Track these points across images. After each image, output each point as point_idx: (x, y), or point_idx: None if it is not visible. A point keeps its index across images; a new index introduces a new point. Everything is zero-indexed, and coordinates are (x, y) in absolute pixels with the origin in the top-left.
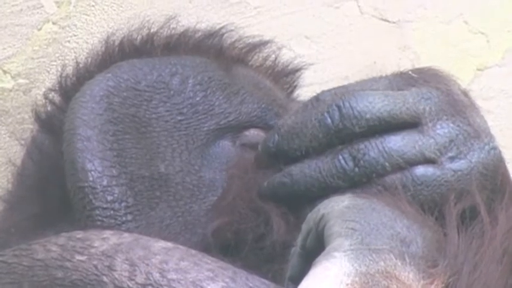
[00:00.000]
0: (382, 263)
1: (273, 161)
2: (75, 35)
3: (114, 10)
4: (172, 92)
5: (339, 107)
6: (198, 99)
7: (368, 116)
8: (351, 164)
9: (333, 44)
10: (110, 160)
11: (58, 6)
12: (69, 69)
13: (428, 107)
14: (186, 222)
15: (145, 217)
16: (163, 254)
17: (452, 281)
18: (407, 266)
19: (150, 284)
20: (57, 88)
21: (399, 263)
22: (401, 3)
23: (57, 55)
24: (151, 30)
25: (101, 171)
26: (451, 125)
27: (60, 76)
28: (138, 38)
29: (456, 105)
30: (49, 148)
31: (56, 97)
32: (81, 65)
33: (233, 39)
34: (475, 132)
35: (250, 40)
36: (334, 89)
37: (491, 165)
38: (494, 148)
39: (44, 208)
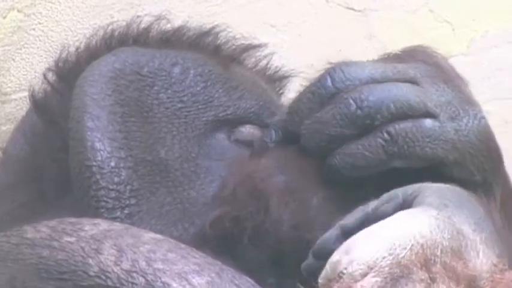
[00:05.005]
0: (457, 243)
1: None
2: (40, 23)
3: None
4: (173, 80)
5: (330, 74)
6: (198, 89)
7: (360, 76)
8: (353, 106)
9: (298, 32)
10: (119, 142)
11: None
12: (67, 52)
13: (419, 73)
14: (185, 210)
15: (146, 202)
16: (152, 244)
17: None
18: (480, 254)
19: (135, 271)
20: (54, 69)
21: (473, 250)
22: None
23: (22, 43)
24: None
25: (110, 152)
26: (446, 89)
27: (58, 58)
28: (134, 30)
29: (445, 74)
30: (42, 129)
31: (53, 78)
32: (79, 49)
33: (227, 39)
34: (468, 99)
35: (242, 41)
36: None
37: (484, 132)
38: (484, 117)
39: (37, 194)
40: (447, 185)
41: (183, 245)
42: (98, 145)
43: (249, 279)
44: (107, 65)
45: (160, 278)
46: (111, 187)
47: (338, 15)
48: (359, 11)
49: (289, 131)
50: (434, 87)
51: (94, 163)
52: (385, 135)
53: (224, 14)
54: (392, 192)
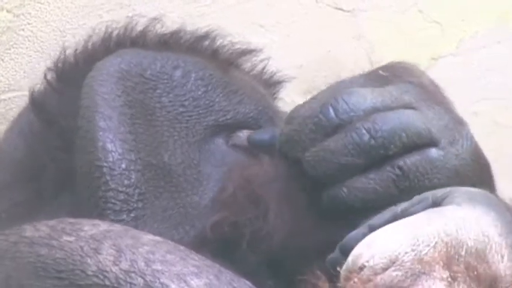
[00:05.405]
0: (482, 245)
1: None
2: (29, 23)
3: None
4: (175, 84)
5: (332, 105)
6: (199, 93)
7: (363, 107)
8: (366, 136)
9: (288, 32)
10: (129, 143)
11: None
12: (65, 52)
13: (413, 97)
14: (187, 214)
15: (151, 206)
16: (151, 245)
17: None
18: (505, 258)
19: (134, 272)
20: (53, 69)
21: (498, 253)
22: None
23: (11, 43)
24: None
25: (121, 154)
26: (441, 111)
27: (58, 59)
28: (132, 32)
29: (433, 96)
30: (39, 128)
31: (52, 78)
32: (78, 50)
33: (223, 44)
34: (459, 120)
35: (239, 45)
36: (308, 102)
37: (475, 152)
38: (472, 135)
39: (33, 193)
40: (477, 189)
41: (182, 247)
42: (109, 146)
43: (247, 281)
44: (113, 66)
45: (158, 278)
46: (120, 189)
47: (327, 15)
48: (348, 11)
49: (290, 158)
50: (431, 111)
51: (105, 164)
52: (397, 170)
53: (213, 14)
54: (423, 194)
